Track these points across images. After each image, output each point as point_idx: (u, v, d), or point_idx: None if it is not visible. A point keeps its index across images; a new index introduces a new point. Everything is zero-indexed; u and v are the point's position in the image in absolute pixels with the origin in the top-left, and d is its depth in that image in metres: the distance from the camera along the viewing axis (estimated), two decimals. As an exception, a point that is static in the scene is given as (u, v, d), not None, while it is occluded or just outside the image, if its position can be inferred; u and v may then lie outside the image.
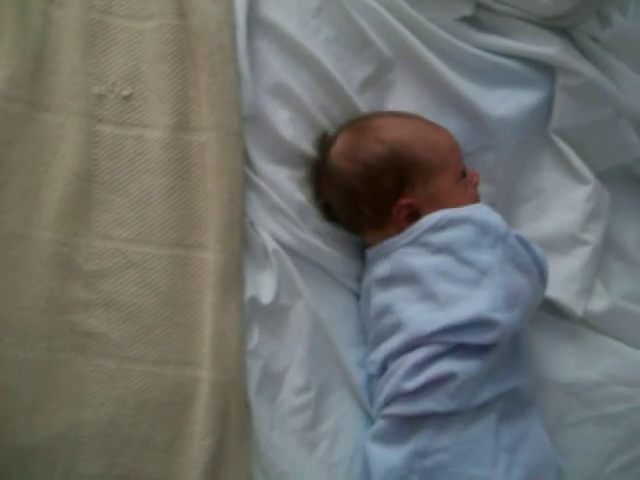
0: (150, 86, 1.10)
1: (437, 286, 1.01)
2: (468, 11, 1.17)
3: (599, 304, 1.11)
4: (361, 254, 1.16)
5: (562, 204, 1.17)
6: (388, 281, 1.06)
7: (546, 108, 1.18)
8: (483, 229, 1.01)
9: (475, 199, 1.11)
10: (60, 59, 1.09)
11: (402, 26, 1.15)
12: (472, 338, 0.99)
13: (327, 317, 1.09)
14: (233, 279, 1.05)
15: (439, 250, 1.03)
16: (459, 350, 0.99)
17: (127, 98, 1.09)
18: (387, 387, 1.02)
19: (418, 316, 1.01)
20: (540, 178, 1.19)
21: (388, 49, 1.17)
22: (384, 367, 1.05)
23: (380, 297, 1.07)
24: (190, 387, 1.03)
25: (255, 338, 1.06)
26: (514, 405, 1.03)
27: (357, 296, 1.15)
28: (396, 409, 1.01)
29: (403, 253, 1.05)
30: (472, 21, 1.18)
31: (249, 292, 1.06)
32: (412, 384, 0.99)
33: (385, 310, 1.05)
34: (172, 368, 1.03)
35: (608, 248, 1.17)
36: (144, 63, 1.11)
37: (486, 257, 1.00)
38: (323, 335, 1.08)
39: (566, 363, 1.11)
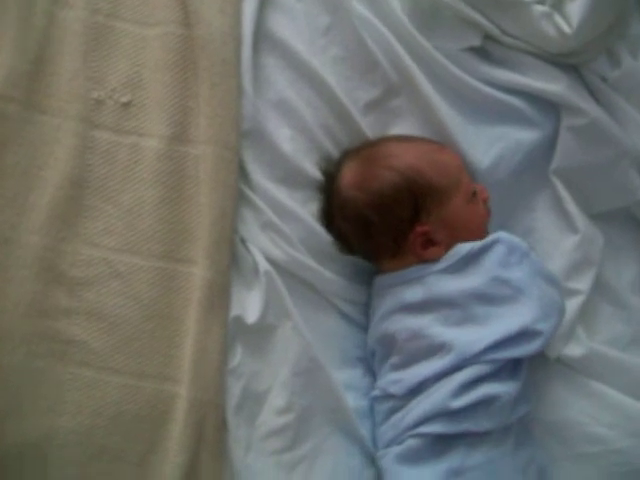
0: (150, 94, 1.09)
1: (477, 308, 1.03)
2: (476, 42, 1.16)
3: (576, 350, 1.10)
4: (356, 276, 1.15)
5: (551, 248, 1.16)
6: (420, 306, 1.06)
7: (545, 147, 1.17)
8: (510, 248, 1.05)
9: (486, 217, 1.12)
10: (61, 61, 1.08)
11: (407, 53, 1.15)
12: (518, 351, 1.01)
13: (315, 339, 1.08)
14: (219, 297, 1.04)
15: (474, 274, 1.05)
16: (498, 371, 1.01)
17: (126, 105, 1.09)
18: (425, 406, 1.02)
19: (462, 337, 1.02)
20: (533, 218, 1.18)
21: (394, 74, 1.16)
22: (417, 388, 1.04)
23: (409, 321, 1.06)
24: (167, 403, 1.02)
25: (237, 357, 1.05)
26: (524, 430, 1.05)
27: (347, 317, 1.14)
28: (435, 427, 1.01)
29: (438, 279, 1.06)
30: (480, 52, 1.17)
31: (234, 311, 1.05)
32: (459, 402, 1.00)
33: (417, 334, 1.05)
34: (150, 382, 1.02)
35: (600, 290, 1.16)
36: (146, 70, 1.10)
37: (517, 274, 1.04)
38: (310, 357, 1.07)
39: (545, 401, 1.10)
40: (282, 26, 1.16)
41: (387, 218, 1.07)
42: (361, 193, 1.08)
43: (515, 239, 1.07)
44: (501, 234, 1.07)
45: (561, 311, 1.06)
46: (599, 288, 1.15)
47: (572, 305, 1.11)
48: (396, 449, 1.03)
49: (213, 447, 1.01)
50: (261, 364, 1.06)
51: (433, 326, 1.04)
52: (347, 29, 1.16)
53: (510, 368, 1.03)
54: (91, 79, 1.08)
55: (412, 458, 1.02)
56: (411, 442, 1.02)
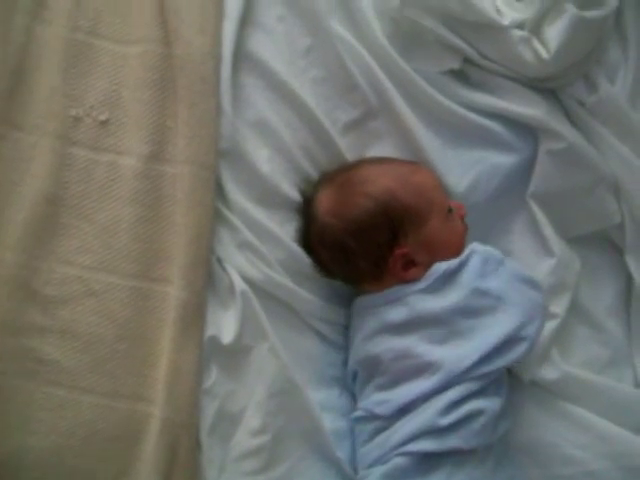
0: (128, 113, 1.09)
1: (461, 323, 1.04)
2: (456, 65, 1.16)
3: (551, 372, 1.10)
4: (333, 296, 1.14)
5: (527, 271, 1.13)
6: (405, 325, 1.06)
7: (522, 171, 1.17)
8: (484, 258, 1.06)
9: (465, 233, 1.12)
10: (39, 78, 1.08)
11: (386, 76, 1.15)
12: (505, 360, 1.02)
13: (291, 359, 1.08)
14: (194, 317, 1.03)
15: (454, 290, 1.05)
16: (484, 387, 1.02)
17: (104, 123, 1.08)
18: (413, 424, 1.02)
19: (450, 354, 1.03)
20: (510, 241, 1.18)
21: (373, 96, 1.16)
22: (405, 408, 1.03)
23: (394, 342, 1.06)
24: (140, 423, 1.01)
25: (212, 377, 1.05)
26: (502, 451, 1.05)
27: (324, 338, 1.13)
28: (423, 445, 1.01)
29: (420, 299, 1.06)
30: (459, 76, 1.18)
31: (209, 331, 1.05)
32: (447, 419, 1.00)
33: (403, 354, 1.05)
34: (124, 402, 1.01)
35: (577, 313, 1.16)
36: (124, 89, 1.10)
37: (494, 282, 1.04)
38: (286, 377, 1.06)
39: (521, 422, 1.10)
40: (262, 47, 1.16)
41: (365, 244, 1.07)
42: (338, 220, 1.08)
43: (488, 248, 1.07)
44: (475, 246, 1.07)
45: (543, 314, 1.06)
46: (575, 311, 1.16)
47: (547, 328, 1.10)
48: (381, 469, 1.03)
49: (186, 468, 1.01)
50: (236, 385, 1.06)
51: (419, 345, 1.04)
52: (327, 51, 1.16)
53: (493, 384, 1.03)
54: (69, 96, 1.08)
55: (398, 477, 1.01)
56: (398, 461, 1.02)
